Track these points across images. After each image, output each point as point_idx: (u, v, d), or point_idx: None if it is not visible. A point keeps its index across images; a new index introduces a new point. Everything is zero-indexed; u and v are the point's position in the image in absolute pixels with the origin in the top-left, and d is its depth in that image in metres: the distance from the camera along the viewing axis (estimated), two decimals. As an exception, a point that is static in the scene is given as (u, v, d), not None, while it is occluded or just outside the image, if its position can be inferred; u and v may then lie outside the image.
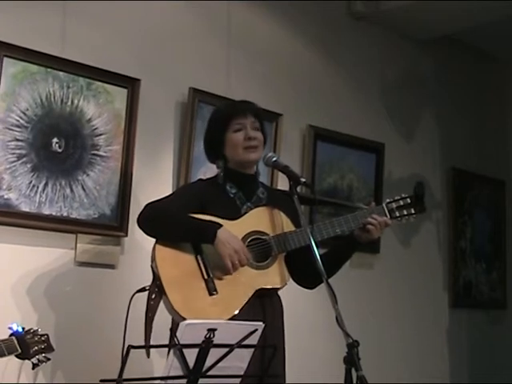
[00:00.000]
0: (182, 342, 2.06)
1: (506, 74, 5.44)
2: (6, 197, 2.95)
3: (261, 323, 2.21)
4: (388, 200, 2.73)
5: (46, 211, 3.05)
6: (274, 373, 2.47)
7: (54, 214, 3.06)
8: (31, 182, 3.02)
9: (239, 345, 2.14)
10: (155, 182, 3.40)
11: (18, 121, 2.99)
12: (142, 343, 2.44)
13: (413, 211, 2.73)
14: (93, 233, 3.17)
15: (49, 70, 3.08)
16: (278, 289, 2.61)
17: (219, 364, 2.13)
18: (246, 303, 2.48)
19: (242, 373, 2.21)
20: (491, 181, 5.20)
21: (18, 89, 3.00)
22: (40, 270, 3.05)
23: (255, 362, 2.28)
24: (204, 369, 2.12)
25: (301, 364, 3.59)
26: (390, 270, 4.43)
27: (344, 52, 4.36)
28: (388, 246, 4.37)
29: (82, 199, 3.16)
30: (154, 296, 2.50)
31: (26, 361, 2.59)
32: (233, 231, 2.51)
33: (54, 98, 3.10)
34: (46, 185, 3.05)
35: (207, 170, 3.24)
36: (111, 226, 3.22)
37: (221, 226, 2.50)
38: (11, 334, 2.55)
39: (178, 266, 2.50)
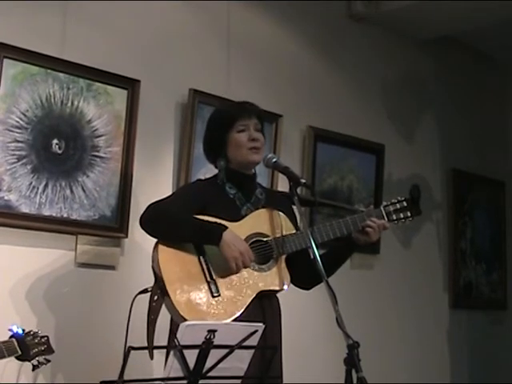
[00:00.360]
0: (182, 343, 2.05)
1: (505, 74, 5.45)
2: (6, 198, 2.94)
3: (261, 324, 2.20)
4: (385, 203, 2.75)
5: (46, 212, 3.05)
6: (274, 374, 2.47)
7: (54, 215, 3.06)
8: (31, 183, 3.01)
9: (239, 346, 2.14)
10: (155, 183, 3.40)
11: (18, 122, 2.99)
12: (143, 344, 2.44)
13: (409, 214, 2.75)
14: (93, 234, 3.17)
15: (49, 71, 3.08)
16: (279, 291, 2.61)
17: (219, 365, 2.13)
18: (249, 305, 2.49)
19: (242, 374, 2.20)
20: (491, 182, 5.21)
21: (18, 90, 3.00)
22: (40, 272, 3.04)
23: (255, 363, 2.27)
24: (204, 370, 2.12)
25: (301, 365, 3.59)
26: (390, 270, 4.43)
27: (344, 52, 4.36)
28: (388, 247, 4.37)
29: (82, 200, 3.15)
30: (156, 298, 2.50)
31: (26, 362, 2.60)
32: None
33: (54, 99, 3.10)
34: (46, 186, 3.05)
35: (207, 171, 3.24)
36: (111, 227, 3.22)
37: (226, 227, 2.50)
38: (11, 336, 2.55)
39: (181, 267, 2.49)
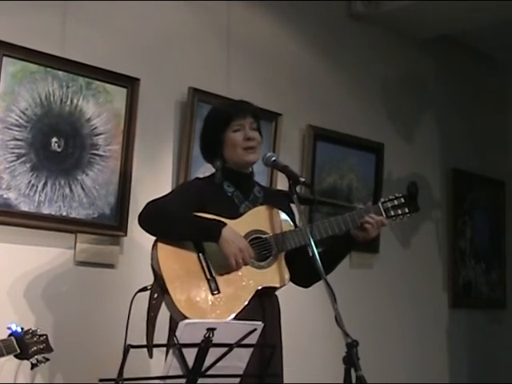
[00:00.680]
0: (181, 342, 2.05)
1: (505, 74, 5.44)
2: (5, 196, 2.94)
3: (260, 323, 2.20)
4: (383, 199, 2.75)
5: (46, 211, 3.05)
6: (273, 372, 2.47)
7: (53, 213, 3.06)
8: (30, 181, 3.01)
9: (238, 344, 2.14)
10: (154, 182, 3.39)
11: (17, 120, 2.99)
12: (143, 343, 2.44)
13: (407, 210, 2.75)
14: (92, 232, 3.17)
15: (48, 69, 3.08)
16: (279, 288, 2.61)
17: (218, 363, 2.13)
18: (248, 302, 2.49)
19: (241, 372, 2.20)
20: (491, 181, 5.21)
21: (18, 88, 3.00)
22: (39, 270, 3.04)
23: (254, 362, 2.27)
24: (203, 368, 2.11)
25: (300, 364, 3.58)
26: (390, 269, 4.43)
27: (344, 52, 4.36)
28: (388, 246, 4.38)
29: (82, 199, 3.15)
30: (156, 295, 2.50)
31: (24, 361, 2.59)
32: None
33: (54, 97, 3.10)
34: (45, 184, 3.05)
35: (206, 170, 3.23)
36: (110, 226, 3.22)
37: (225, 224, 2.50)
38: (10, 334, 2.55)
39: (180, 265, 2.49)
